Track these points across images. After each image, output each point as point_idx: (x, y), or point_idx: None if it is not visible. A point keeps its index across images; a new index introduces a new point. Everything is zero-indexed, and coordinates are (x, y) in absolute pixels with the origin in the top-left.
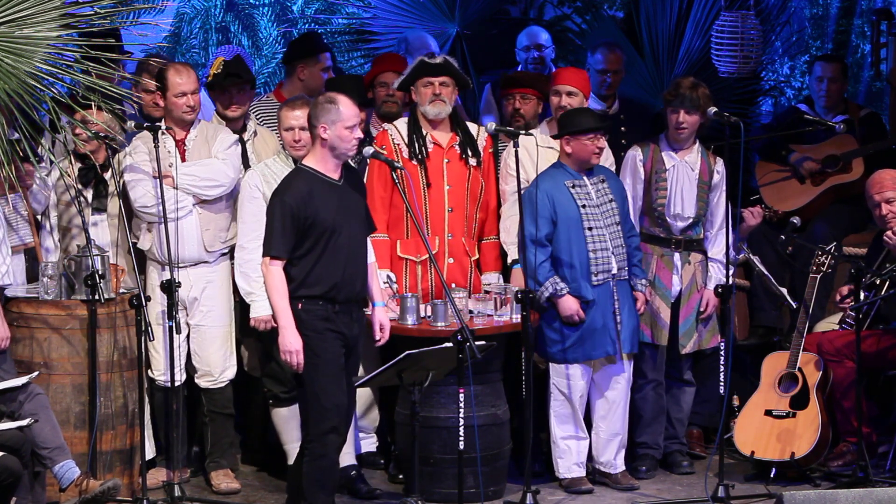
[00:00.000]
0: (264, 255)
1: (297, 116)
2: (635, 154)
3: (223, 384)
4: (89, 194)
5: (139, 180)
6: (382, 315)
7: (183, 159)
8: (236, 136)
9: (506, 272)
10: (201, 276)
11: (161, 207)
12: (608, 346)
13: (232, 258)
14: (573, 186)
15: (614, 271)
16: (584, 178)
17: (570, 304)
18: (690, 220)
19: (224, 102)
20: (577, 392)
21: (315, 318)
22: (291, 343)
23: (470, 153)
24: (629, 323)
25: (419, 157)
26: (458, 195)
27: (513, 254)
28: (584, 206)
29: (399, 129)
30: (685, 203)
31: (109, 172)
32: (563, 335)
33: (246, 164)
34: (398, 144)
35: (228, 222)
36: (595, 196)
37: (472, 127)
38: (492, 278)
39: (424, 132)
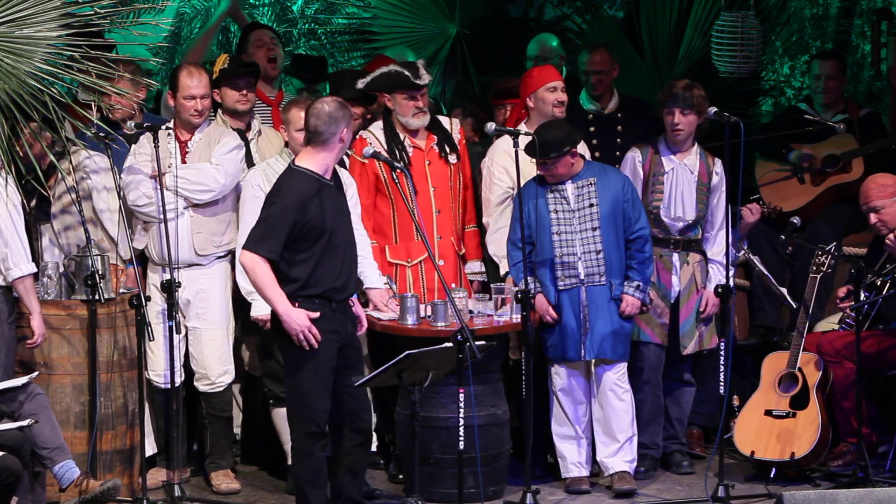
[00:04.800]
0: (253, 250)
1: None
2: (634, 155)
3: (221, 388)
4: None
5: (136, 179)
6: (359, 308)
7: (184, 161)
8: (239, 142)
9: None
10: (194, 279)
11: (156, 208)
12: (579, 349)
13: (230, 261)
14: (551, 192)
15: (582, 276)
16: (568, 182)
17: (540, 305)
18: (690, 222)
19: (233, 95)
20: (565, 392)
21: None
22: (299, 321)
23: (448, 150)
24: (600, 329)
25: (402, 163)
26: (444, 195)
27: (504, 266)
28: (555, 212)
29: (376, 135)
30: (685, 206)
31: (53, 180)
32: (548, 335)
33: (250, 164)
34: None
35: (224, 227)
36: (574, 201)
37: (445, 121)
38: (475, 266)
39: (402, 137)
